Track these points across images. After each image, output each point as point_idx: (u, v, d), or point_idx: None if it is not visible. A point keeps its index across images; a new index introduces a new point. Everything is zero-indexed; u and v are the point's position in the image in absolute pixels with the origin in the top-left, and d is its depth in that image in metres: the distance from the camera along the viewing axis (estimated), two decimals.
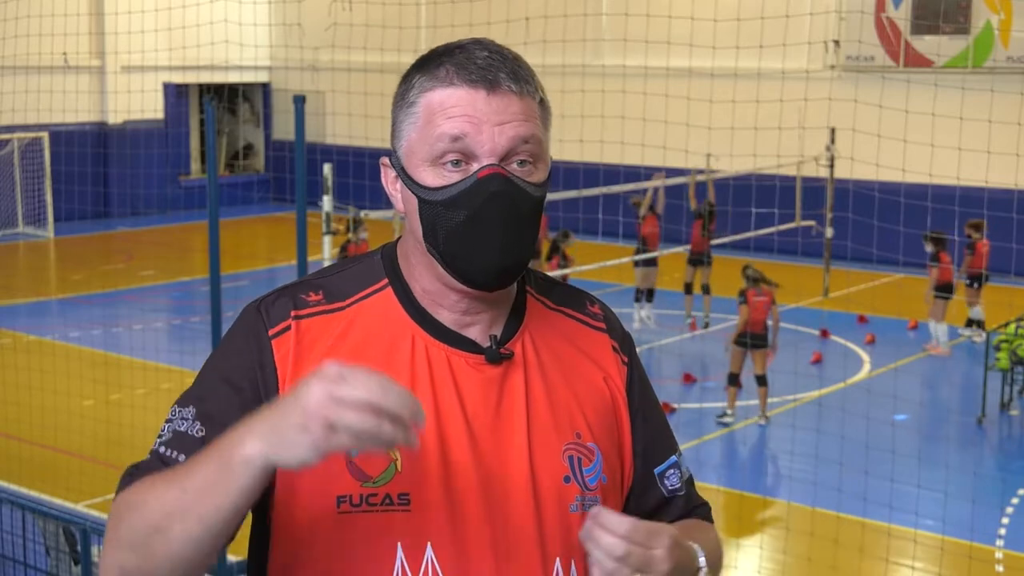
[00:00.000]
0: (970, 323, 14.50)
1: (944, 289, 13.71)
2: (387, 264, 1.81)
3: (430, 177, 1.68)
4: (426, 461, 1.67)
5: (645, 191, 14.83)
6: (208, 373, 1.75)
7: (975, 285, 14.17)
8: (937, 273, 13.75)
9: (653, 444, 1.88)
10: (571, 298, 1.90)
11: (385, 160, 1.78)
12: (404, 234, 1.82)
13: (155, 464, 1.65)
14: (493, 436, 1.71)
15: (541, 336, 1.81)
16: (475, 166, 1.66)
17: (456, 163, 1.67)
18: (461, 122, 1.65)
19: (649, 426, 1.88)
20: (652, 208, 14.61)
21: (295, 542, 1.69)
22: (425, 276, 1.75)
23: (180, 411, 1.70)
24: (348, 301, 1.77)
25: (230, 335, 1.77)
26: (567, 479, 1.74)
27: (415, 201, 1.71)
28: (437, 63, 1.70)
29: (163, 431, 1.70)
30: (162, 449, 1.66)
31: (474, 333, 1.75)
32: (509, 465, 1.71)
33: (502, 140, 1.66)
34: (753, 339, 11.09)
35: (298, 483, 1.66)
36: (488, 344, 1.74)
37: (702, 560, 1.71)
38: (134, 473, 1.65)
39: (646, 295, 14.54)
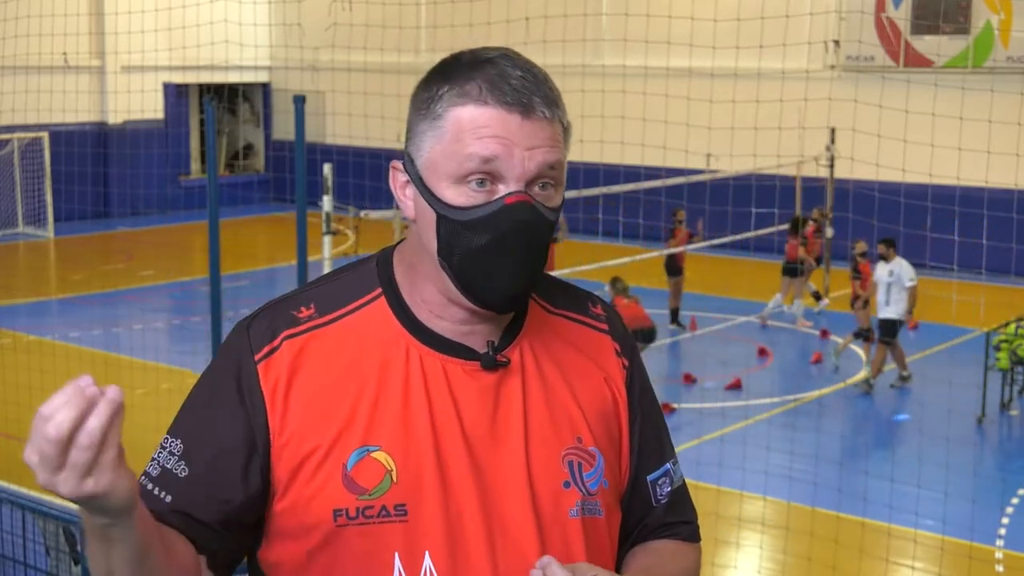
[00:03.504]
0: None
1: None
2: (382, 272, 1.78)
3: (452, 194, 1.64)
4: (422, 471, 1.66)
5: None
6: (197, 401, 1.74)
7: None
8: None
9: (649, 449, 1.86)
10: (573, 300, 1.88)
11: (397, 164, 1.74)
12: (408, 240, 1.78)
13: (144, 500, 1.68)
14: (490, 443, 1.70)
15: (541, 341, 1.79)
16: (501, 189, 1.63)
17: (481, 183, 1.63)
18: (493, 143, 1.62)
19: (647, 430, 1.86)
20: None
21: (293, 557, 1.69)
22: (428, 286, 1.73)
23: (171, 442, 1.71)
24: (340, 312, 1.74)
25: (218, 360, 1.76)
26: (567, 484, 1.72)
27: (432, 215, 1.67)
28: (466, 77, 1.64)
29: (156, 459, 1.71)
30: (149, 486, 1.68)
31: (472, 340, 1.73)
32: (507, 472, 1.70)
33: (531, 165, 1.63)
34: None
35: (295, 499, 1.67)
36: (485, 350, 1.72)
37: None
38: None
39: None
